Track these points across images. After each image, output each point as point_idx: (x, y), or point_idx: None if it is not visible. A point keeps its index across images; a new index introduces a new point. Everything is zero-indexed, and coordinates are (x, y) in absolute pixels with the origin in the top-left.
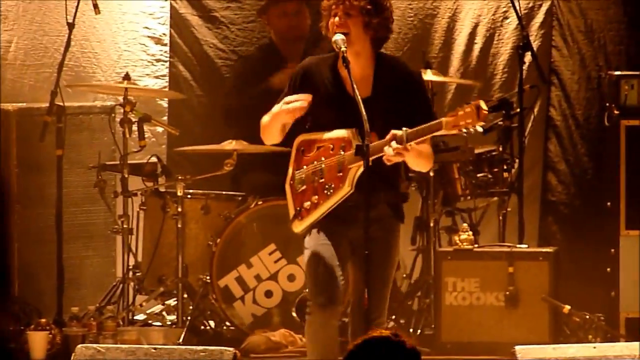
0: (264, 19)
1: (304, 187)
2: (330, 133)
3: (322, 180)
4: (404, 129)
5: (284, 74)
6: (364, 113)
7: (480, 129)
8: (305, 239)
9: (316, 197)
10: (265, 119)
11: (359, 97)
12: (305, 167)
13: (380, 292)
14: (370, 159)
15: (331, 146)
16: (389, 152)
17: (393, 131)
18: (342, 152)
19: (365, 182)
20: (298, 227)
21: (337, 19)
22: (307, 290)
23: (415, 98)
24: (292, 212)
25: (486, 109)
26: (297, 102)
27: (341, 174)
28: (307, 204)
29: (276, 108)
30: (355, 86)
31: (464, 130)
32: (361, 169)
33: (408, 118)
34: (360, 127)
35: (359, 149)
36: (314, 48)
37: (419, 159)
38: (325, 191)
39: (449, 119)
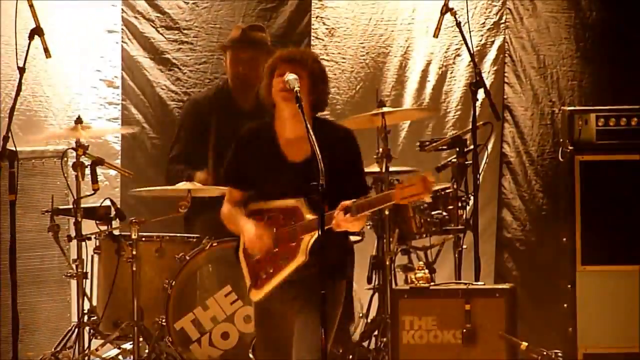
0: (224, 57)
1: (258, 256)
2: (278, 202)
3: (276, 250)
4: (353, 200)
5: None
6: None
7: (429, 200)
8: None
9: (271, 267)
10: (226, 218)
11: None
12: None
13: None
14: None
15: (281, 216)
16: (340, 223)
17: (343, 203)
18: (293, 222)
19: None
20: (255, 296)
21: (285, 78)
22: None
23: (350, 162)
24: (248, 281)
25: (433, 180)
26: (257, 242)
27: (294, 244)
28: (262, 274)
29: (241, 225)
30: (311, 132)
31: (415, 202)
32: (314, 238)
33: (340, 181)
34: (301, 195)
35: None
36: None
37: (361, 224)
38: (280, 261)
39: (398, 191)
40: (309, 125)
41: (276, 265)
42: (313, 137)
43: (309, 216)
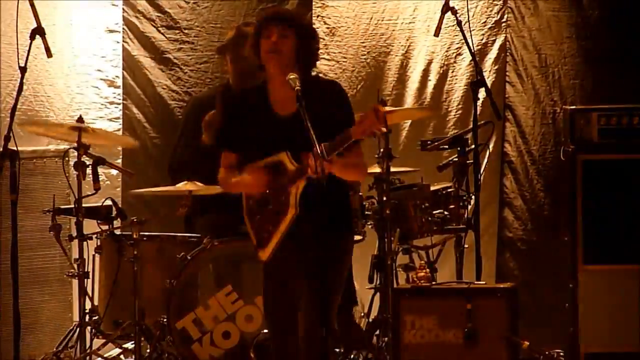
0: (224, 58)
1: (258, 216)
2: (266, 160)
3: (270, 207)
4: (321, 144)
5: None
6: (314, 137)
7: (385, 130)
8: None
9: (270, 225)
10: (224, 181)
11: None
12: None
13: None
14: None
15: (268, 170)
16: (313, 168)
17: (314, 150)
18: (279, 176)
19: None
20: (263, 255)
21: (272, 38)
22: (265, 330)
23: (339, 111)
24: (254, 241)
25: (383, 110)
26: (255, 182)
27: (283, 198)
28: (264, 233)
29: (237, 180)
30: (304, 112)
31: (372, 135)
32: (300, 190)
33: (332, 132)
34: (291, 148)
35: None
36: None
37: (346, 170)
38: (275, 217)
39: (355, 127)
40: (307, 121)
41: (274, 222)
42: (307, 116)
43: (291, 167)
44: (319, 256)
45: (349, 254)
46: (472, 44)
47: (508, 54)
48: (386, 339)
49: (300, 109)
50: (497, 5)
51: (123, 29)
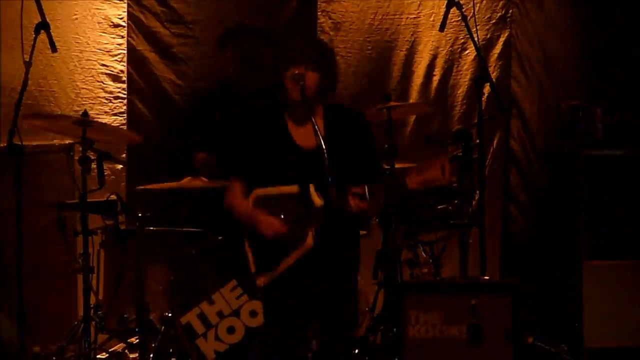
0: (224, 50)
1: (263, 242)
2: (286, 188)
3: (284, 235)
4: (365, 186)
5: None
6: (327, 166)
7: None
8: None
9: (277, 252)
10: (232, 208)
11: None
12: None
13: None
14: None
15: (289, 202)
16: (355, 208)
17: (355, 189)
18: (302, 208)
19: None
20: (261, 281)
21: (297, 72)
22: None
23: (364, 145)
24: (252, 267)
25: (449, 166)
26: (271, 230)
27: (301, 230)
28: (269, 259)
29: (248, 213)
30: (320, 134)
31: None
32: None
33: (355, 165)
34: (312, 180)
35: (322, 209)
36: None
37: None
38: (286, 246)
39: (414, 177)
40: (320, 137)
41: (283, 250)
42: (323, 142)
43: (318, 201)
44: (325, 291)
45: (353, 294)
46: (477, 39)
47: (513, 49)
48: (391, 334)
49: (306, 104)
50: (501, 0)
51: (128, 23)
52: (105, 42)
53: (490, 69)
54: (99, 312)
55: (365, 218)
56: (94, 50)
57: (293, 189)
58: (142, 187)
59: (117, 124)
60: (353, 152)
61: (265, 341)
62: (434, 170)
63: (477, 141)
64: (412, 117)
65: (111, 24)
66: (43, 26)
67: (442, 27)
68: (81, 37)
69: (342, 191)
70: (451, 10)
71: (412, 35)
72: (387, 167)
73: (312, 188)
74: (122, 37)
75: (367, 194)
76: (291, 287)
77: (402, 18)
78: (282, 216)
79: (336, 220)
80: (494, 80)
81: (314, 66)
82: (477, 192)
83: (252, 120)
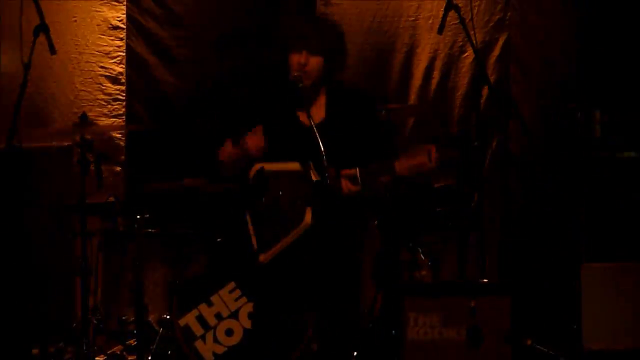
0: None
1: (265, 219)
2: (287, 165)
3: (281, 212)
4: (357, 169)
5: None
6: (322, 147)
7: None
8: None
9: (278, 230)
10: (223, 154)
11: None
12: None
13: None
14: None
15: (290, 178)
16: (345, 190)
17: (346, 171)
18: (301, 185)
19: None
20: (263, 257)
21: (301, 60)
22: None
23: (370, 123)
24: (255, 244)
25: (437, 153)
26: (252, 144)
27: (301, 206)
28: (270, 237)
29: (229, 147)
30: (312, 122)
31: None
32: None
33: (362, 144)
34: (314, 158)
35: (317, 186)
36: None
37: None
38: (286, 223)
39: (401, 161)
40: (315, 131)
41: (283, 228)
42: (318, 137)
43: (315, 178)
44: (322, 274)
45: (357, 273)
46: (476, 42)
47: (511, 51)
48: (390, 336)
49: (306, 109)
50: (500, 3)
51: (127, 25)
52: (104, 44)
53: (489, 72)
54: (98, 314)
55: (360, 204)
56: (93, 52)
57: (295, 165)
58: (141, 187)
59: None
60: (356, 132)
61: (259, 320)
62: (421, 156)
63: (476, 143)
64: (411, 119)
65: (110, 26)
66: (42, 28)
67: (441, 30)
68: (80, 39)
69: (335, 173)
70: (450, 13)
71: (410, 37)
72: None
73: (311, 166)
74: (121, 39)
75: (358, 176)
76: (288, 266)
77: (400, 20)
78: (281, 193)
79: (333, 200)
80: (492, 82)
81: (316, 51)
82: (476, 194)
83: (258, 97)
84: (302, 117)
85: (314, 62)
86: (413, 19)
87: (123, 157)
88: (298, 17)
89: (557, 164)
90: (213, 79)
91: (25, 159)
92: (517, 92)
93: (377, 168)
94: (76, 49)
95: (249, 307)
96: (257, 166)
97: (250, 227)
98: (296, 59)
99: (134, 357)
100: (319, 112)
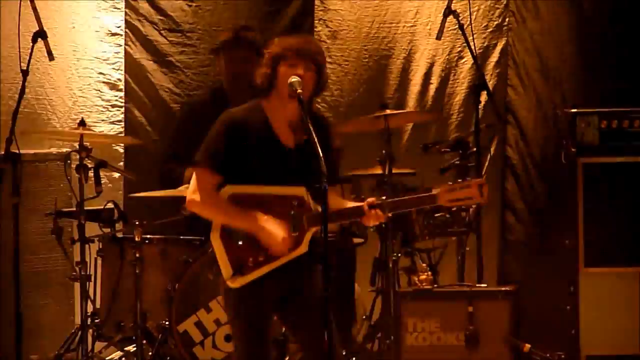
0: (218, 60)
1: (242, 242)
2: (279, 189)
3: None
4: (383, 198)
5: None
6: (324, 170)
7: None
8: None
9: (262, 254)
10: (214, 208)
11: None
12: None
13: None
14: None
15: (282, 203)
16: (369, 221)
17: (371, 200)
18: (299, 212)
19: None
20: (238, 283)
21: (299, 71)
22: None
23: (330, 149)
24: (228, 267)
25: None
26: (276, 242)
27: (297, 234)
28: (250, 260)
29: (241, 220)
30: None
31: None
32: (316, 229)
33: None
34: (297, 182)
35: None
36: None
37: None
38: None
39: (445, 193)
40: (312, 133)
41: (266, 253)
42: (315, 138)
43: (318, 207)
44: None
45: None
46: (474, 48)
47: (510, 57)
48: (388, 341)
49: (304, 112)
50: (498, 8)
51: (125, 32)
52: (103, 50)
53: (487, 77)
54: (96, 320)
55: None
56: (91, 58)
57: (288, 191)
58: (138, 195)
59: (115, 132)
60: (324, 155)
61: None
62: (470, 190)
63: (474, 149)
64: (409, 125)
65: (109, 32)
66: (41, 35)
67: (439, 36)
68: (79, 46)
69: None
70: (448, 18)
71: (409, 43)
72: (385, 174)
73: (305, 191)
74: (120, 45)
75: (386, 207)
76: (264, 290)
77: (399, 26)
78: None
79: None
80: (491, 88)
81: (315, 68)
82: None
83: (234, 119)
84: (282, 137)
85: (309, 77)
86: (411, 24)
87: (122, 163)
88: (295, 36)
89: (555, 169)
90: (211, 86)
91: (23, 165)
92: (515, 97)
93: (413, 200)
94: (74, 55)
95: None
96: (229, 190)
97: (222, 247)
98: (291, 69)
99: None
100: (298, 131)
